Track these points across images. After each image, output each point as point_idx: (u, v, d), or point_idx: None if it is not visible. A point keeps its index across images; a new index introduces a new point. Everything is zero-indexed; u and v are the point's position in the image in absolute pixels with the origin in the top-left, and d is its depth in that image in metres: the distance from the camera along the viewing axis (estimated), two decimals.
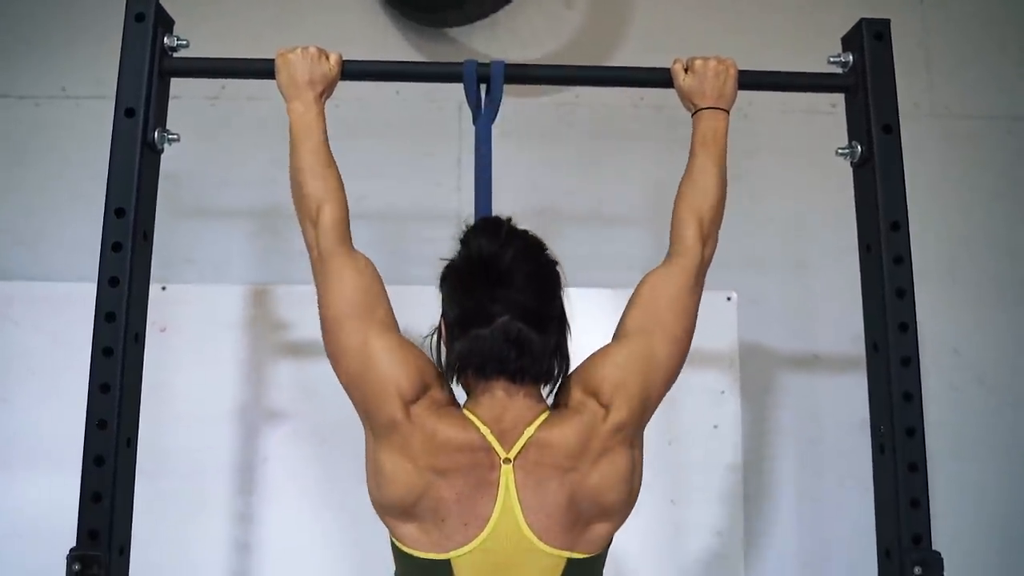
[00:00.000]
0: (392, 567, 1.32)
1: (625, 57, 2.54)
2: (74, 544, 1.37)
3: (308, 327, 2.27)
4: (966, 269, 2.54)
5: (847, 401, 2.29)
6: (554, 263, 1.31)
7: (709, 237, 1.40)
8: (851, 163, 1.59)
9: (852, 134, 1.60)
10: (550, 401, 1.31)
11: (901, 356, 1.48)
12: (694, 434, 2.28)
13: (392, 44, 2.53)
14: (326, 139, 1.42)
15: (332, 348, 1.33)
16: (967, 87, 2.61)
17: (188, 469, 2.19)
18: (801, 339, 2.45)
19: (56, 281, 2.29)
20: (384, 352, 1.26)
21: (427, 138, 2.51)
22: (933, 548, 1.44)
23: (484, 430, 1.22)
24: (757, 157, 2.43)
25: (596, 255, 2.35)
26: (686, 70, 1.52)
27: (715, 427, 2.29)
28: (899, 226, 1.50)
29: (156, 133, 1.50)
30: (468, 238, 1.29)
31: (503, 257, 1.23)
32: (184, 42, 1.55)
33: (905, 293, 1.49)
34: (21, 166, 2.46)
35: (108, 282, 1.43)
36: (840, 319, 2.34)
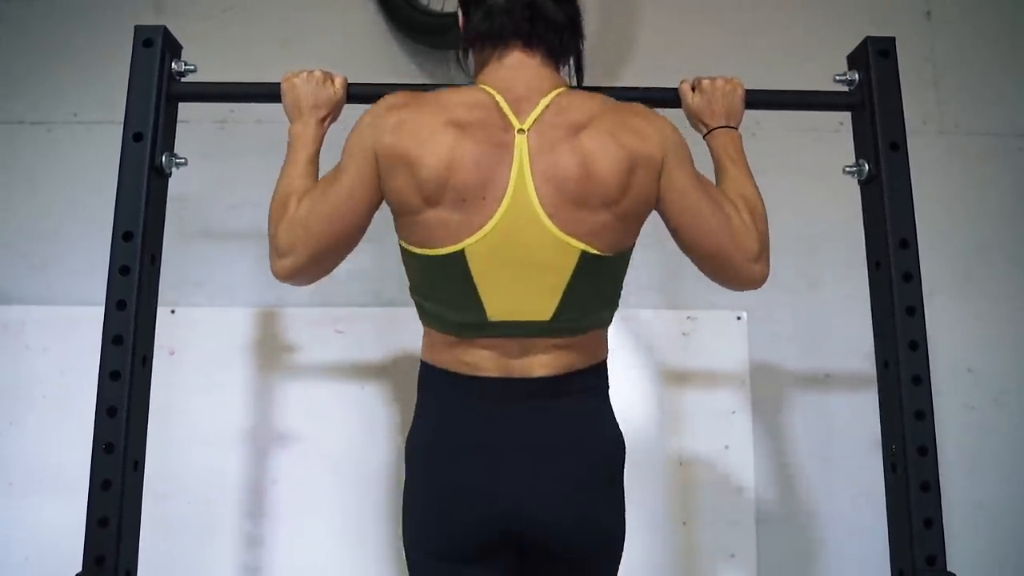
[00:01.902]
0: None
1: (632, 77, 2.54)
2: (80, 570, 1.36)
3: (316, 348, 2.30)
4: (978, 287, 2.52)
5: (859, 420, 2.27)
6: None
7: (763, 254, 1.36)
8: (858, 181, 1.59)
9: (859, 152, 1.59)
10: None
11: (912, 374, 1.46)
12: (705, 455, 2.27)
13: (398, 66, 2.54)
14: (313, 160, 1.42)
15: (349, 234, 1.30)
16: (975, 104, 2.60)
17: (197, 492, 2.19)
18: (812, 358, 2.43)
19: (66, 305, 2.31)
20: (352, 136, 1.29)
21: None
22: (948, 569, 1.42)
23: (497, 97, 1.25)
24: (765, 176, 2.37)
25: None
26: (693, 89, 1.52)
27: (726, 447, 2.27)
28: (908, 243, 1.49)
29: (164, 157, 1.51)
30: None
31: None
32: (192, 67, 1.57)
33: (915, 310, 1.48)
34: (33, 191, 2.48)
35: (115, 305, 1.44)
36: (851, 337, 2.33)
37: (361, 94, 1.55)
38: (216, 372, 2.26)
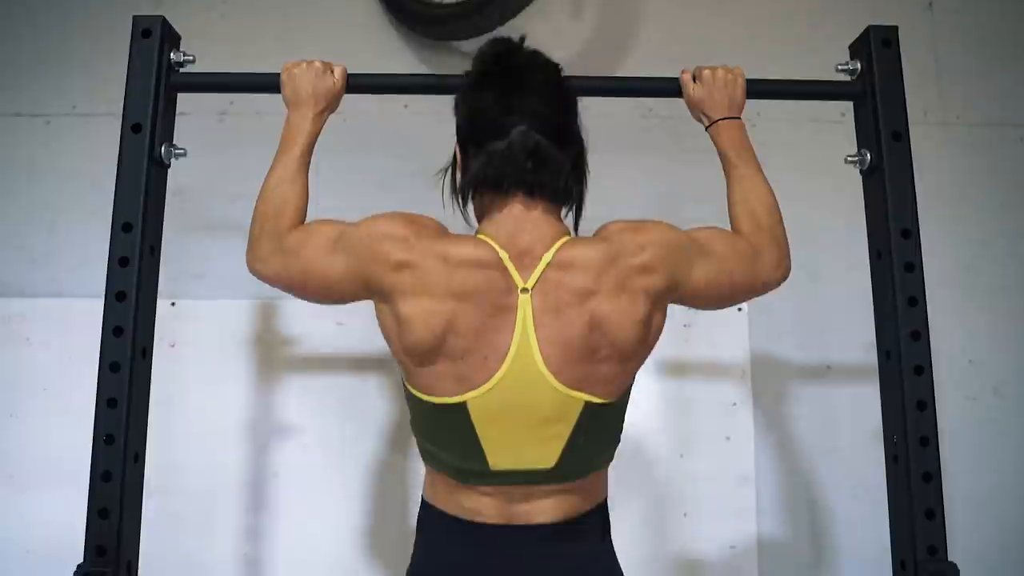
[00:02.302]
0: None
1: (633, 67, 2.53)
2: (81, 561, 1.37)
3: (317, 341, 2.30)
4: (980, 277, 2.51)
5: (861, 411, 2.27)
6: (571, 84, 1.30)
7: (785, 257, 1.41)
8: (860, 171, 1.58)
9: (861, 142, 1.59)
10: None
11: (914, 364, 1.46)
12: (706, 446, 2.27)
13: (399, 57, 2.54)
14: (305, 153, 1.41)
15: (312, 287, 1.32)
16: (977, 95, 2.59)
17: (198, 484, 2.19)
18: (813, 349, 2.42)
19: (67, 297, 2.30)
20: (356, 228, 1.26)
21: (435, 152, 2.51)
22: (949, 559, 1.41)
23: (501, 253, 1.20)
24: (766, 167, 2.38)
25: None
26: (694, 80, 1.51)
27: (727, 439, 2.27)
28: (909, 233, 1.49)
29: (163, 148, 1.51)
30: (481, 49, 1.29)
31: (517, 59, 1.22)
32: (190, 58, 1.56)
33: (917, 301, 1.48)
34: (32, 183, 2.47)
35: (115, 297, 1.44)
36: (852, 328, 2.32)
37: (361, 84, 1.55)
38: (217, 364, 2.26)
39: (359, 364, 2.28)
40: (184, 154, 1.56)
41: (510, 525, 1.24)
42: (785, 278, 1.41)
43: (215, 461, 2.21)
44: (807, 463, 2.36)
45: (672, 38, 2.57)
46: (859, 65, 1.57)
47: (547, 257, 1.20)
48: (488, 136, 1.22)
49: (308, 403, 2.26)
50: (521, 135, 1.20)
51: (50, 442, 2.17)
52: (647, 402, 2.27)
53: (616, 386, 1.24)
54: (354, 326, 2.28)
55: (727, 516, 2.24)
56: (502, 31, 2.47)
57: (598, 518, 1.32)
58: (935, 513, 1.42)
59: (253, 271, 1.37)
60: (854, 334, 2.31)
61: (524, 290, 1.19)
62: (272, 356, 2.28)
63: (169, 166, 1.56)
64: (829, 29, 2.41)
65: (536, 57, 1.28)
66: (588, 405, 1.20)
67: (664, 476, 2.24)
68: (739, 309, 2.31)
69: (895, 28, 1.55)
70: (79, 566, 1.36)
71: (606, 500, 1.35)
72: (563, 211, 1.30)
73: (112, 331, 1.43)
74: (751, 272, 1.35)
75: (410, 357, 1.22)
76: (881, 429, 1.54)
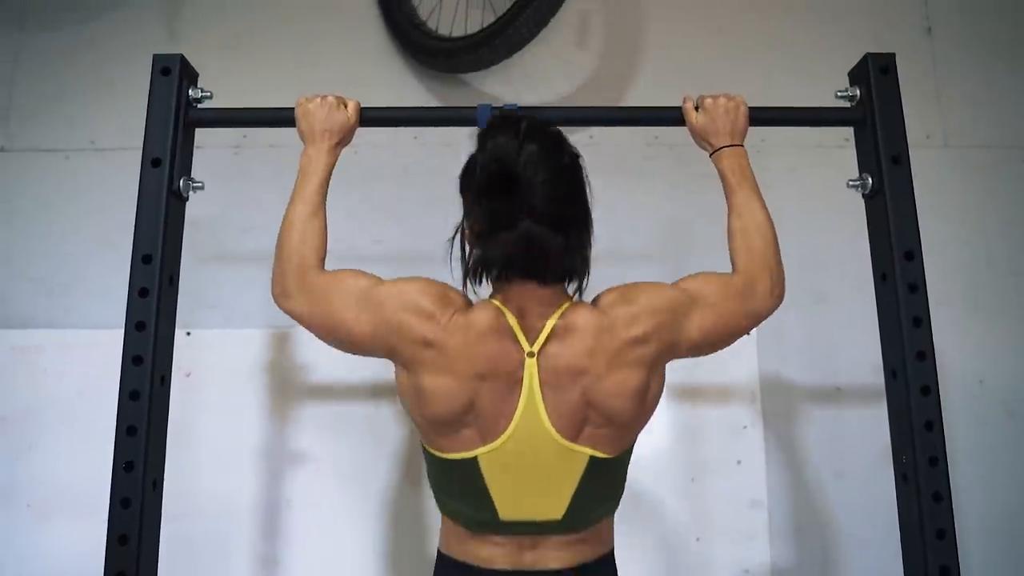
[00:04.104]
0: None
1: (638, 97, 2.58)
2: None
3: (330, 369, 2.32)
4: (988, 298, 2.52)
5: (871, 432, 2.27)
6: (575, 157, 1.33)
7: (778, 281, 1.42)
8: (863, 195, 1.61)
9: (862, 166, 1.61)
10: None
11: (921, 385, 1.47)
12: (718, 470, 2.28)
13: (409, 90, 2.59)
14: (322, 187, 1.45)
15: (337, 336, 1.35)
16: (977, 117, 2.62)
17: (213, 512, 2.21)
18: (822, 371, 2.43)
19: (84, 328, 2.34)
20: (386, 293, 1.30)
21: (444, 182, 2.55)
22: None
23: (511, 319, 1.27)
24: (771, 191, 2.41)
25: None
26: (696, 108, 1.54)
27: (739, 462, 2.28)
28: (913, 255, 1.51)
29: (181, 182, 1.55)
30: (485, 139, 1.30)
31: (521, 162, 1.24)
32: (208, 94, 1.61)
33: (922, 321, 1.49)
34: (50, 217, 2.52)
35: (135, 326, 1.47)
36: (860, 350, 2.33)
37: (374, 118, 1.59)
38: (231, 393, 2.29)
39: (372, 392, 2.31)
40: (202, 187, 1.59)
41: (521, 571, 1.29)
42: (778, 304, 1.43)
43: (230, 488, 2.23)
44: (818, 484, 2.37)
45: (675, 67, 2.61)
46: (858, 91, 1.60)
47: (550, 324, 1.27)
48: (495, 227, 1.26)
49: (322, 431, 2.28)
50: (526, 229, 1.23)
51: (67, 471, 2.20)
52: (658, 427, 2.27)
53: (618, 445, 1.30)
54: None
55: (740, 540, 2.24)
56: (510, 63, 2.53)
57: (606, 565, 1.36)
58: (946, 533, 1.42)
59: (281, 307, 1.41)
60: (862, 355, 2.32)
61: (531, 354, 1.26)
62: (286, 384, 2.31)
63: (187, 199, 1.59)
64: (829, 56, 2.43)
65: (541, 154, 1.27)
66: (592, 459, 1.26)
67: (676, 500, 2.25)
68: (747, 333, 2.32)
69: (892, 55, 1.58)
70: None
71: (613, 550, 1.39)
72: (571, 286, 1.34)
73: (132, 360, 1.46)
74: (745, 309, 1.38)
75: (427, 423, 1.28)
76: (891, 449, 1.55)
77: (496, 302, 1.29)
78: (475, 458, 1.25)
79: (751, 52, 2.63)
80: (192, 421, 2.21)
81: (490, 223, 1.26)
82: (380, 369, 2.29)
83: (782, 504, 2.34)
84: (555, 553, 1.30)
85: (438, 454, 1.29)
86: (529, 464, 1.25)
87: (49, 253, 2.50)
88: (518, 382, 1.25)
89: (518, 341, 1.26)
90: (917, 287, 1.50)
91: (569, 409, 1.25)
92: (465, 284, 1.32)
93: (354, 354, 1.37)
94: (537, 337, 1.26)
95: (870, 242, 1.61)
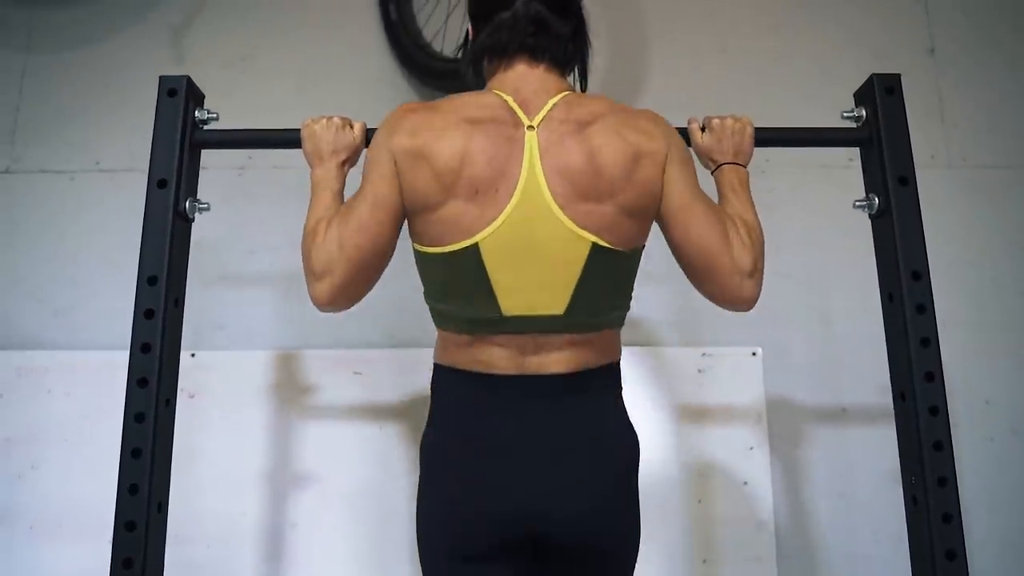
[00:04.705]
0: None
1: None
2: None
3: (335, 390, 2.32)
4: (994, 318, 2.52)
5: (877, 453, 2.27)
6: None
7: (757, 270, 1.35)
8: (869, 215, 1.60)
9: (869, 186, 1.61)
10: None
11: (929, 405, 1.46)
12: (724, 492, 2.27)
13: None
14: (338, 200, 1.44)
15: (384, 243, 1.32)
16: (982, 137, 2.63)
17: (217, 535, 2.20)
18: (828, 392, 2.43)
19: (88, 350, 2.34)
20: (370, 171, 1.33)
21: None
22: None
23: (507, 98, 1.30)
24: (776, 212, 2.42)
25: None
26: (703, 129, 1.55)
27: (745, 484, 2.27)
28: (920, 275, 1.50)
29: (187, 203, 1.55)
30: None
31: None
32: (214, 115, 1.61)
33: (930, 342, 1.48)
34: (56, 238, 2.53)
35: (140, 348, 1.46)
36: (866, 371, 2.33)
37: None
38: (236, 414, 2.29)
39: (376, 413, 2.30)
40: (208, 208, 1.60)
41: (523, 375, 1.29)
42: (746, 299, 1.34)
43: (234, 510, 2.22)
44: (825, 506, 2.35)
45: (679, 87, 2.63)
46: (864, 112, 1.60)
47: (552, 101, 1.30)
48: (494, 8, 1.34)
49: (326, 452, 2.27)
50: (524, 5, 1.32)
51: (70, 493, 2.20)
52: (664, 448, 2.27)
53: (621, 234, 1.29)
54: (371, 375, 2.30)
55: (747, 561, 2.23)
56: None
57: (610, 374, 1.36)
58: (956, 554, 1.41)
59: (324, 296, 1.32)
60: (869, 376, 2.32)
61: (530, 127, 1.28)
62: (290, 406, 2.31)
63: (193, 220, 1.59)
64: (834, 76, 2.45)
65: None
66: (595, 247, 1.26)
67: (682, 521, 2.24)
68: (753, 354, 2.32)
69: (898, 76, 1.58)
70: None
71: (619, 362, 1.39)
72: (568, 76, 1.39)
73: (137, 382, 1.45)
74: (721, 240, 1.32)
75: (437, 189, 1.26)
76: (898, 470, 1.54)
77: (490, 90, 1.34)
78: (476, 245, 1.25)
79: (756, 73, 2.65)
80: (196, 443, 2.20)
81: (492, 4, 1.34)
82: (384, 390, 2.32)
83: (789, 526, 2.33)
84: (557, 355, 1.29)
85: (436, 250, 1.28)
86: (531, 248, 1.25)
87: (55, 274, 2.51)
88: (517, 148, 1.26)
89: (515, 114, 1.28)
90: (925, 308, 1.49)
91: (572, 172, 1.25)
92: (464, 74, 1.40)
93: (389, 249, 1.33)
94: (537, 113, 1.29)
95: (877, 262, 1.61)
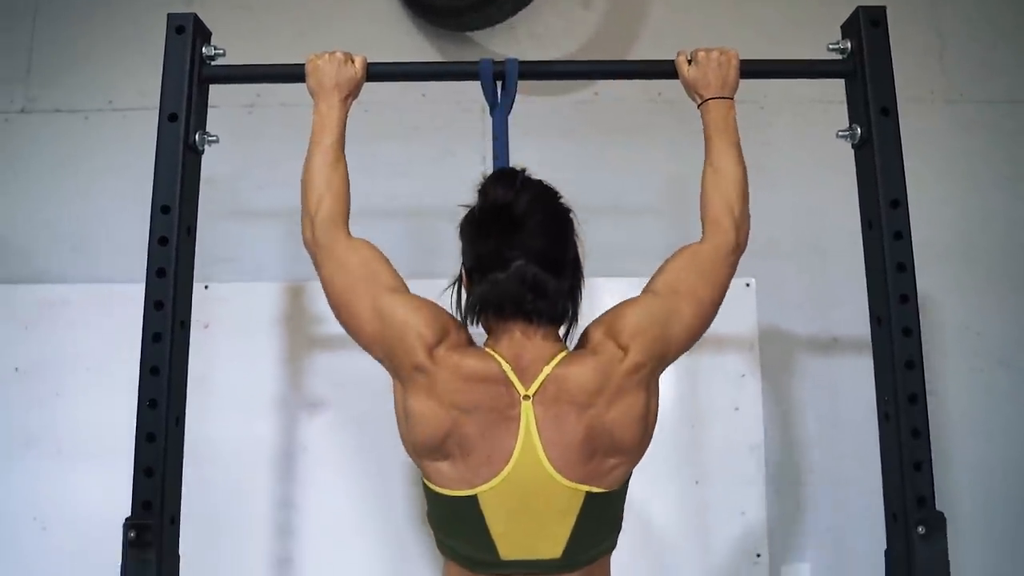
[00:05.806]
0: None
1: (640, 55, 2.60)
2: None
3: None
4: (986, 252, 2.57)
5: (865, 382, 2.29)
6: (567, 210, 1.37)
7: (742, 222, 1.47)
8: (852, 145, 1.65)
9: (852, 117, 1.65)
10: (572, 345, 1.38)
11: (903, 327, 1.53)
12: (716, 416, 2.35)
13: (416, 48, 2.64)
14: (340, 139, 1.51)
15: (346, 319, 1.40)
16: (980, 73, 2.64)
17: (232, 456, 2.30)
18: (819, 323, 2.50)
19: (106, 283, 2.43)
20: (398, 305, 1.34)
21: (453, 139, 2.62)
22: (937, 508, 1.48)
23: (505, 366, 1.29)
24: (772, 147, 2.48)
25: (616, 245, 2.38)
26: (690, 62, 1.59)
27: (736, 409, 2.35)
28: (898, 203, 1.56)
29: (197, 135, 1.62)
30: (485, 187, 1.35)
31: (518, 204, 1.30)
32: (221, 51, 1.67)
33: (905, 267, 1.54)
34: (72, 176, 2.61)
35: (156, 273, 1.55)
36: (858, 302, 2.35)
37: (381, 72, 1.65)
38: (248, 344, 2.37)
39: None
40: (216, 140, 1.66)
41: None
42: (744, 244, 1.48)
43: (247, 435, 2.32)
44: (814, 432, 2.44)
45: (678, 26, 2.65)
46: (850, 44, 1.64)
47: (547, 370, 1.29)
48: (490, 267, 1.30)
49: (335, 379, 2.36)
50: (520, 268, 1.28)
51: (94, 417, 2.30)
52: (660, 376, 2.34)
53: (617, 478, 1.33)
54: None
55: (737, 483, 2.32)
56: (514, 21, 2.57)
57: None
58: (923, 465, 1.49)
59: (308, 252, 1.46)
60: (859, 308, 2.33)
61: (526, 397, 1.28)
62: (300, 335, 2.39)
63: (203, 152, 1.66)
64: (830, 11, 2.46)
65: (537, 201, 1.33)
66: (589, 495, 1.28)
67: (676, 445, 2.32)
68: (747, 284, 2.37)
69: (883, 8, 1.60)
70: (127, 519, 1.48)
71: None
72: (561, 329, 1.38)
73: (154, 305, 1.54)
74: (718, 273, 1.43)
75: (417, 453, 1.33)
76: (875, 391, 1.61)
77: (489, 349, 1.33)
78: (475, 496, 1.27)
79: (751, 11, 2.66)
80: (210, 371, 2.28)
81: (484, 263, 1.31)
82: None
83: (778, 450, 2.42)
84: None
85: (438, 489, 1.31)
86: (527, 504, 1.27)
87: (71, 211, 2.59)
88: (513, 421, 1.27)
89: (512, 386, 1.28)
90: (902, 234, 1.55)
91: (571, 448, 1.26)
92: (459, 309, 1.38)
93: (354, 340, 1.41)
94: (533, 382, 1.28)
95: (859, 191, 1.66)
